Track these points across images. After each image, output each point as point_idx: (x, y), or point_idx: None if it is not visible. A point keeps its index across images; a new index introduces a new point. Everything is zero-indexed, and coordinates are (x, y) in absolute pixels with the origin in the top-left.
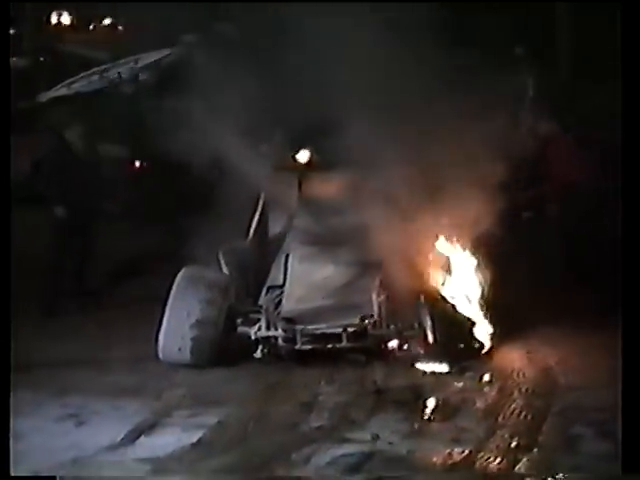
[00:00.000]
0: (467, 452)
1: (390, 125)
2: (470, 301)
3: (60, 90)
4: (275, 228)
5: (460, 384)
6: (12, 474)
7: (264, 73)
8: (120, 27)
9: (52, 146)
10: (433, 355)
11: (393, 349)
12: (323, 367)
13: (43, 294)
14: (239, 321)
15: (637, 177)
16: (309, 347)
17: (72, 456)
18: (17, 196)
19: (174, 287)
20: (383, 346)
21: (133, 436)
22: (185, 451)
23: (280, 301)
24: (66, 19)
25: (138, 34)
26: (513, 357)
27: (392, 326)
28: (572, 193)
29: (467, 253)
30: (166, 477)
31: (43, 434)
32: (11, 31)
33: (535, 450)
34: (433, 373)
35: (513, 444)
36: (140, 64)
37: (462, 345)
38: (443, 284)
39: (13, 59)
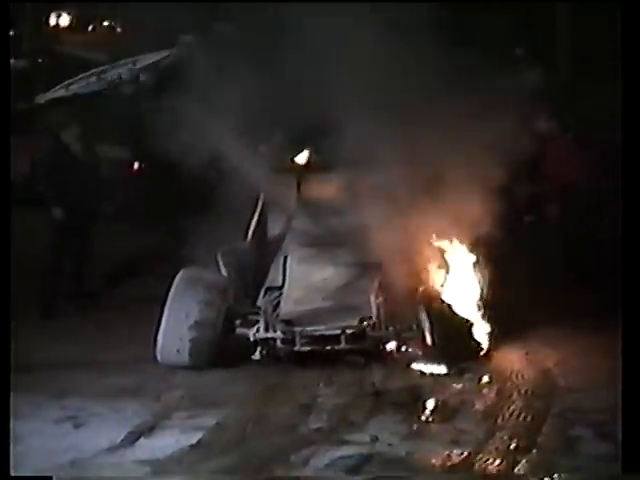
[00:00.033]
0: (466, 454)
1: (389, 125)
2: (469, 302)
3: (58, 91)
4: (274, 229)
5: (459, 386)
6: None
7: (263, 73)
8: (119, 29)
9: (49, 147)
10: (432, 357)
11: (392, 351)
12: (322, 369)
13: (42, 295)
14: (238, 322)
15: (637, 177)
16: (308, 349)
17: (71, 458)
18: (17, 197)
19: (173, 288)
20: (382, 348)
21: (132, 438)
22: (184, 453)
23: (279, 303)
24: (65, 20)
25: (137, 35)
26: (512, 358)
27: (391, 328)
28: (572, 193)
29: (466, 254)
30: (165, 479)
31: (42, 436)
32: (10, 32)
33: (534, 451)
34: (432, 375)
35: (512, 446)
36: (139, 65)
37: (461, 346)
38: (442, 285)
39: (12, 60)
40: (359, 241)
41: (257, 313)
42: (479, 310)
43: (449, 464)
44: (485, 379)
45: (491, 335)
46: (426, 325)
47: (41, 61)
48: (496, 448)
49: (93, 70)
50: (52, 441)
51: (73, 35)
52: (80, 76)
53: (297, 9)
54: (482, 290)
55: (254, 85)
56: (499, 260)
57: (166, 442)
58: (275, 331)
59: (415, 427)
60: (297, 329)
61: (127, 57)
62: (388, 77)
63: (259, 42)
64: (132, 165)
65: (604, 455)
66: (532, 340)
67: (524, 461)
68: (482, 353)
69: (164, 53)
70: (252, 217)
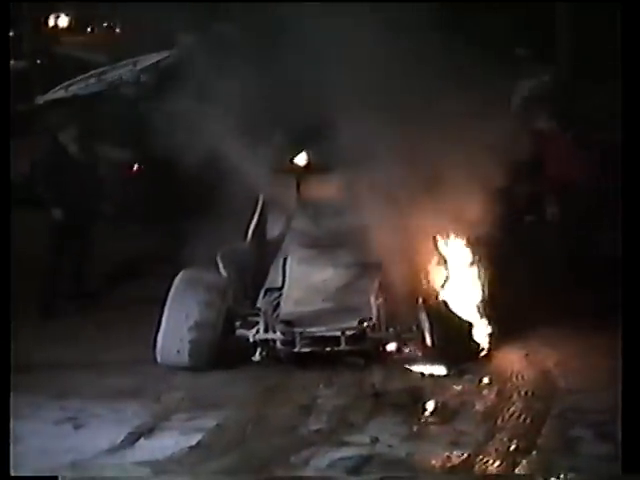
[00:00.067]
0: (466, 455)
1: (389, 125)
2: (469, 303)
3: (58, 92)
4: (274, 230)
5: (459, 387)
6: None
7: (263, 73)
8: (118, 29)
9: (47, 149)
10: (432, 358)
11: (392, 352)
12: (322, 370)
13: (42, 296)
14: (237, 324)
15: (637, 177)
16: (308, 350)
17: (71, 459)
18: (16, 198)
19: (172, 289)
20: (382, 349)
21: (132, 439)
22: (184, 454)
23: (279, 304)
24: (64, 21)
25: (136, 36)
26: (512, 359)
27: (391, 329)
28: (572, 193)
29: (466, 255)
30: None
31: (42, 437)
32: (10, 33)
33: (534, 452)
34: (432, 376)
35: (512, 447)
36: (139, 66)
37: (461, 348)
38: (442, 286)
39: (11, 61)
40: (359, 242)
41: (257, 314)
42: (479, 311)
43: (449, 465)
44: (485, 380)
45: (491, 336)
46: (426, 326)
47: (40, 62)
48: (496, 449)
49: (93, 71)
50: (52, 442)
51: (73, 36)
52: (80, 77)
53: (297, 9)
54: (482, 291)
55: (254, 85)
56: (499, 260)
57: (166, 443)
58: (275, 332)
59: (415, 428)
60: (297, 330)
61: (127, 58)
62: (388, 77)
63: (259, 42)
64: (132, 166)
65: (604, 455)
66: (532, 341)
67: (524, 462)
68: (482, 354)
69: (164, 53)
70: (252, 218)
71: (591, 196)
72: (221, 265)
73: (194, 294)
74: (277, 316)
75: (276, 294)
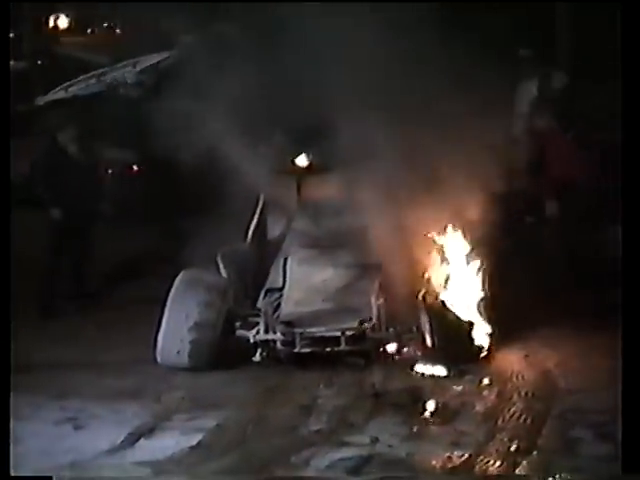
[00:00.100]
0: (467, 455)
1: (389, 126)
2: (469, 304)
3: (58, 93)
4: (274, 231)
5: (459, 387)
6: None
7: (263, 74)
8: (118, 30)
9: (45, 149)
10: (432, 358)
11: (392, 352)
12: (322, 370)
13: (42, 296)
14: (238, 324)
15: (637, 177)
16: (308, 350)
17: (71, 459)
18: (16, 198)
19: (173, 290)
20: (382, 349)
21: (132, 439)
22: (184, 454)
23: (279, 304)
24: (64, 22)
25: (137, 37)
26: (512, 360)
27: (391, 329)
28: (572, 193)
29: (466, 255)
30: None
31: (42, 437)
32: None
33: (535, 453)
34: (432, 376)
35: (513, 447)
36: (139, 67)
37: (461, 348)
38: (442, 287)
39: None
40: (359, 242)
41: (257, 315)
42: (479, 311)
43: (449, 466)
44: (485, 381)
45: (491, 336)
46: (426, 327)
47: (41, 63)
48: (496, 450)
49: (93, 72)
50: (52, 442)
51: (73, 36)
52: (80, 78)
53: (297, 9)
54: (482, 291)
55: (254, 85)
56: (499, 260)
57: (166, 443)
58: (275, 332)
59: (415, 429)
60: (297, 330)
61: (127, 58)
62: (388, 77)
63: (259, 42)
64: (132, 166)
65: (604, 456)
66: (532, 341)
67: (524, 462)
68: (482, 354)
69: (164, 54)
70: (252, 218)
71: (591, 196)
72: (221, 265)
73: (194, 294)
74: (277, 317)
75: (276, 295)
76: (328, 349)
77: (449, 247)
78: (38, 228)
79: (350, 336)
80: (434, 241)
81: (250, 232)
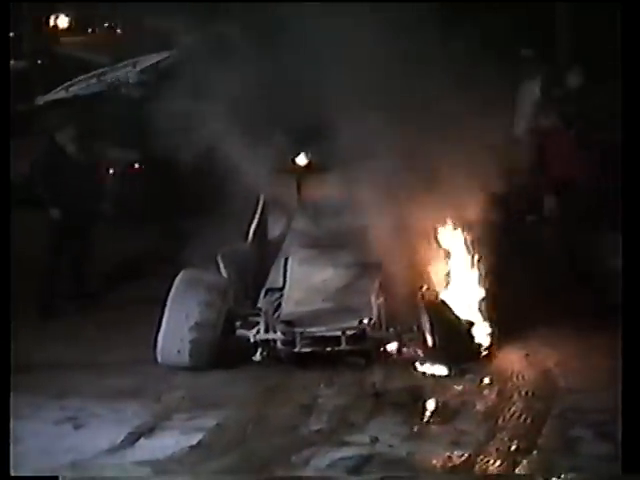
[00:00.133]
0: (467, 455)
1: (389, 126)
2: (469, 303)
3: (59, 93)
4: (274, 230)
5: (460, 387)
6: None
7: (263, 73)
8: (119, 30)
9: (44, 149)
10: (432, 358)
11: (392, 352)
12: (322, 370)
13: (42, 296)
14: (238, 324)
15: (637, 177)
16: (308, 350)
17: (71, 459)
18: (16, 198)
19: (173, 289)
20: (382, 349)
21: (132, 438)
22: (184, 453)
23: (279, 304)
24: (64, 22)
25: (137, 36)
26: (513, 359)
27: (391, 329)
28: (572, 192)
29: (466, 254)
30: (166, 479)
31: (42, 437)
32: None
33: (535, 452)
34: (432, 376)
35: (513, 447)
36: (139, 67)
37: (461, 347)
38: (442, 286)
39: (11, 61)
40: (359, 242)
41: (257, 314)
42: (479, 311)
43: (450, 465)
44: (486, 380)
45: (492, 336)
46: (427, 326)
47: (41, 62)
48: (497, 449)
49: (93, 72)
50: (52, 442)
51: (73, 36)
52: (80, 77)
53: (297, 9)
54: (482, 291)
55: (254, 85)
56: (499, 260)
57: (166, 443)
58: (275, 332)
59: (416, 428)
60: (297, 330)
61: (127, 58)
62: (388, 77)
63: (259, 42)
64: (132, 166)
65: (604, 455)
66: (532, 341)
67: (525, 462)
68: (483, 354)
69: (164, 54)
70: (252, 218)
71: (591, 196)
72: (222, 265)
73: (194, 294)
74: (278, 316)
75: (277, 294)
76: (328, 349)
77: (449, 246)
78: (38, 228)
79: (350, 336)
80: (434, 241)
81: (250, 232)
